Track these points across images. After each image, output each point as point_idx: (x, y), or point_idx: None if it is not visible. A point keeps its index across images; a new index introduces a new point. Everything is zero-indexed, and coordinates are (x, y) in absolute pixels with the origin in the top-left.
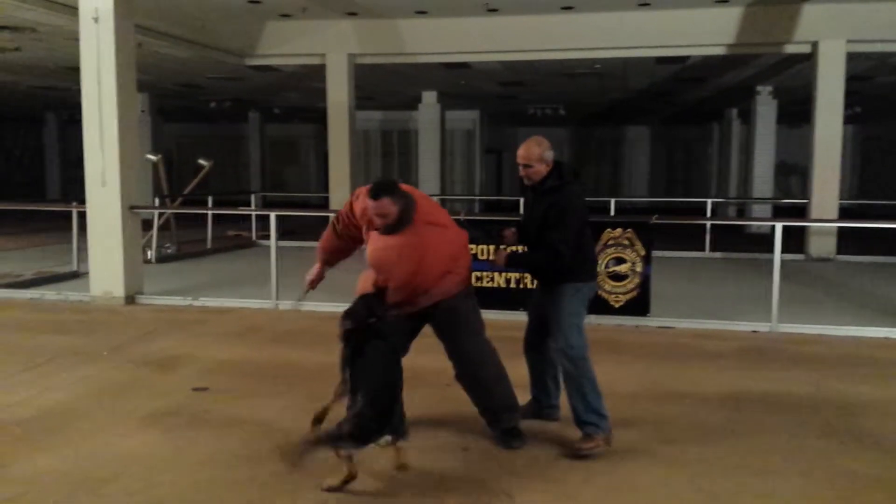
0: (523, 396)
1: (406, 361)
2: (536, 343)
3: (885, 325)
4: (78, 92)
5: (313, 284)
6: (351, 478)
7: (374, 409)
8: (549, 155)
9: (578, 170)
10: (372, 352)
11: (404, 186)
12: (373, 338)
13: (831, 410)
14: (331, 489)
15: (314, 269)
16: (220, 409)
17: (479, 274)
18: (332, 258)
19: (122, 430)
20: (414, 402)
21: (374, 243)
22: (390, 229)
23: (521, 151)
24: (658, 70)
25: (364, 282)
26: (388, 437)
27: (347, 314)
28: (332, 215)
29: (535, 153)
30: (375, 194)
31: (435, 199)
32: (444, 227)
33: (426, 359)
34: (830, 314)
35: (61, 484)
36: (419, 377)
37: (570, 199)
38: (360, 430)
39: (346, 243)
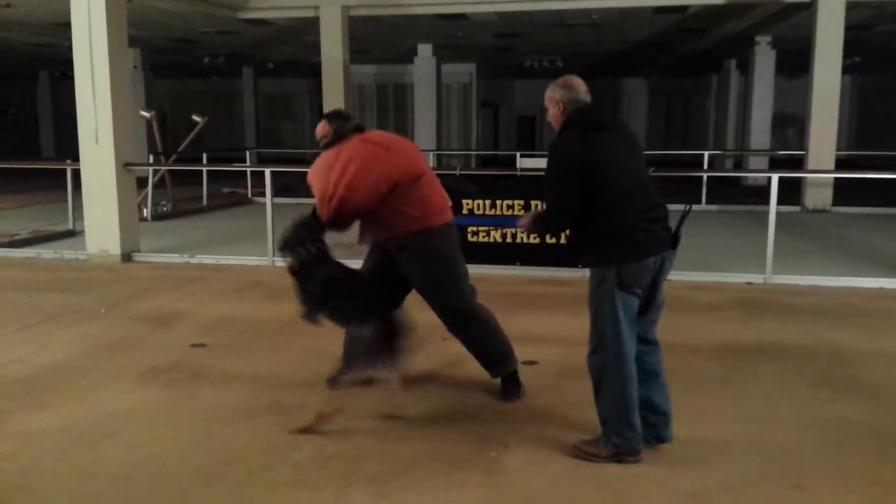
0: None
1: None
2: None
3: (879, 275)
4: (70, 48)
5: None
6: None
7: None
8: (561, 94)
9: (597, 111)
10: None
11: (377, 133)
12: (322, 260)
13: (824, 360)
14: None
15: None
16: (219, 364)
17: (473, 229)
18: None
19: (121, 387)
20: (413, 356)
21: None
22: (324, 146)
23: None
24: (656, 20)
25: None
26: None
27: (284, 245)
28: None
29: (546, 94)
30: (319, 118)
31: (431, 154)
32: (388, 149)
33: (420, 314)
34: (825, 265)
35: (60, 440)
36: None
37: (556, 148)
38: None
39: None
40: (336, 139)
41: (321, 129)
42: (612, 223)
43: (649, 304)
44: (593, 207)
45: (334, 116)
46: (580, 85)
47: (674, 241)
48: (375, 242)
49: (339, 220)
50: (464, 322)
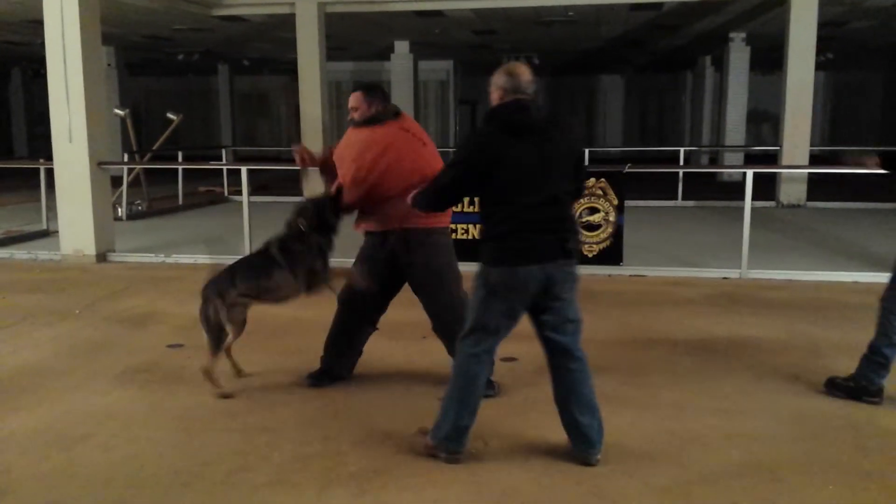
0: None
1: (383, 315)
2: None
3: (853, 269)
4: (42, 45)
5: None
6: None
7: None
8: (503, 80)
9: (520, 111)
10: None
11: (414, 123)
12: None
13: (800, 354)
14: None
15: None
16: (195, 365)
17: (453, 226)
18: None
19: (97, 388)
20: (392, 354)
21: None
22: (360, 124)
23: None
24: (632, 17)
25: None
26: None
27: (300, 212)
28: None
29: (492, 79)
30: (355, 87)
31: None
32: (425, 144)
33: (402, 313)
34: (800, 260)
35: (36, 442)
36: (397, 330)
37: (468, 139)
38: None
39: None
40: (374, 120)
41: (357, 101)
42: (492, 226)
43: (552, 316)
44: (484, 208)
45: (376, 94)
46: (524, 74)
47: (565, 251)
48: (376, 231)
49: (365, 204)
50: (459, 320)
